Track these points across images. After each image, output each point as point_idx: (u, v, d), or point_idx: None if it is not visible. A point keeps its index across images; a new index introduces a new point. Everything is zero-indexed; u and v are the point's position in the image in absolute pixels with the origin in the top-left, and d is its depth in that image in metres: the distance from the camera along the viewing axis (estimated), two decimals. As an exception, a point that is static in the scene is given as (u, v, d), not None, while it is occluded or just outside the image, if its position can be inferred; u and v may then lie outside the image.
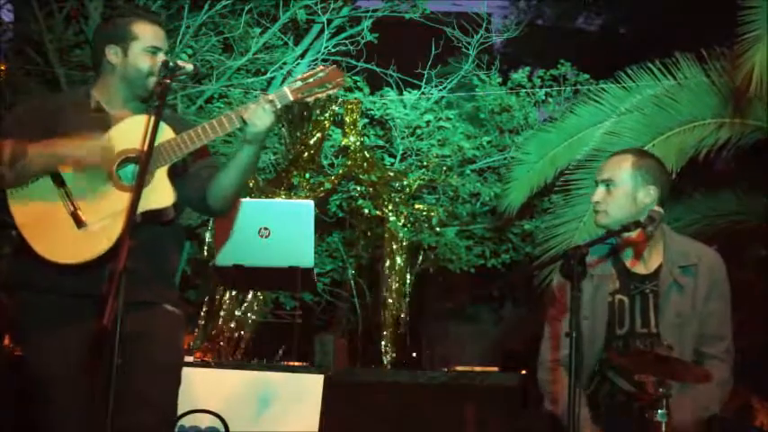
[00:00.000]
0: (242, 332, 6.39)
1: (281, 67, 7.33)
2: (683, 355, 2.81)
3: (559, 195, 6.02)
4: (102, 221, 2.62)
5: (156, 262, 2.75)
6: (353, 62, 7.32)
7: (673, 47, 5.87)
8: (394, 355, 6.31)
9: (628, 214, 2.92)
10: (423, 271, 7.60)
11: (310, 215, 4.95)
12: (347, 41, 7.34)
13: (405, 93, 7.42)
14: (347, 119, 6.65)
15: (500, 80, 7.55)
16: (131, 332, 2.42)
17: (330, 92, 2.79)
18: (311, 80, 2.77)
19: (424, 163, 7.35)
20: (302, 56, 7.50)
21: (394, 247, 6.59)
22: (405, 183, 6.95)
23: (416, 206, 7.06)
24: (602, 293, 2.98)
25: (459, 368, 5.17)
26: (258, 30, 7.20)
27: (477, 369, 5.04)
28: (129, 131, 2.68)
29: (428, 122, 7.44)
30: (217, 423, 4.16)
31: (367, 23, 7.32)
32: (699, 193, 6.12)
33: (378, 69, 7.39)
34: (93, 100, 2.81)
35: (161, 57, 2.77)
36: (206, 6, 6.98)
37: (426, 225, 7.08)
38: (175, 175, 2.72)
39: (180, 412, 3.00)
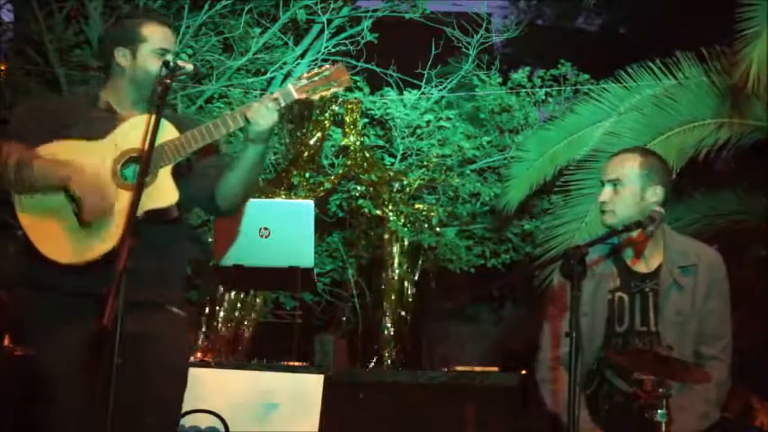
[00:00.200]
0: (242, 332, 6.39)
1: (281, 67, 7.33)
2: (682, 354, 2.81)
3: (559, 196, 6.02)
4: (106, 220, 2.62)
5: (161, 263, 2.74)
6: (353, 62, 7.31)
7: (673, 47, 5.87)
8: (394, 355, 6.30)
9: (634, 214, 2.91)
10: (423, 271, 7.60)
11: (310, 215, 4.96)
12: (347, 41, 7.33)
13: (405, 93, 7.42)
14: (347, 119, 6.64)
15: (500, 80, 7.54)
16: (135, 333, 2.42)
17: (335, 90, 2.78)
18: (316, 78, 2.76)
19: (424, 163, 7.34)
20: (302, 56, 7.49)
21: (394, 246, 6.59)
22: (405, 183, 6.94)
23: (416, 206, 7.05)
24: (602, 291, 2.98)
25: (459, 368, 5.17)
26: (258, 30, 7.20)
27: (477, 369, 5.03)
28: (133, 131, 2.67)
29: (428, 122, 7.43)
30: (217, 423, 4.16)
31: (367, 23, 7.32)
32: (699, 193, 6.12)
33: (378, 69, 7.38)
34: (103, 101, 2.81)
35: (169, 58, 2.76)
36: (206, 6, 6.98)
37: (426, 225, 7.08)
38: (180, 174, 2.71)
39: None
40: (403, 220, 6.66)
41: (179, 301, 2.82)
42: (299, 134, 6.91)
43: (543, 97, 7.43)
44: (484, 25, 7.50)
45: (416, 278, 6.95)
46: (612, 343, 2.96)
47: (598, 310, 2.97)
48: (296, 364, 4.78)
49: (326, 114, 6.67)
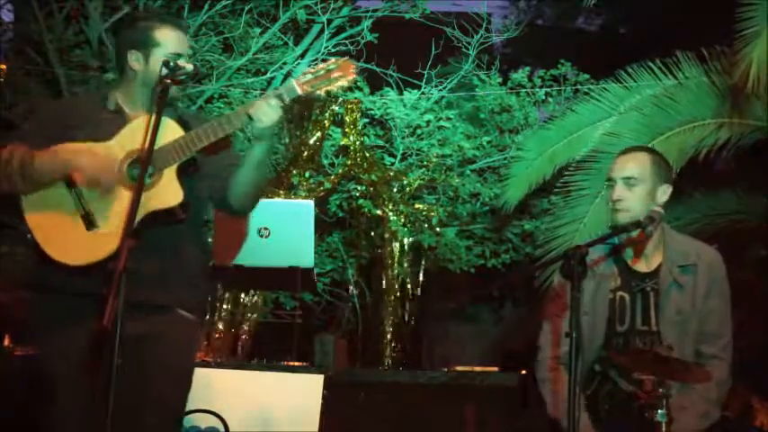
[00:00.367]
0: (242, 332, 6.40)
1: (281, 67, 7.33)
2: (683, 353, 2.82)
3: (559, 196, 6.01)
4: (112, 222, 2.62)
5: (173, 264, 2.72)
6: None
7: (673, 47, 5.86)
8: (394, 355, 6.31)
9: (647, 212, 2.89)
10: (423, 271, 7.59)
11: (310, 215, 4.96)
12: (347, 41, 7.33)
13: (405, 93, 7.42)
14: (347, 118, 6.65)
15: (500, 80, 7.54)
16: (136, 334, 2.42)
17: (342, 83, 2.77)
18: (322, 72, 2.75)
19: (424, 163, 7.35)
20: (302, 56, 7.49)
21: (395, 246, 6.59)
22: (405, 182, 6.95)
23: (416, 206, 7.05)
24: (603, 290, 2.98)
25: (459, 368, 5.18)
26: (258, 30, 7.20)
27: (477, 369, 5.04)
28: (139, 131, 2.66)
29: (428, 122, 7.43)
30: (217, 423, 4.16)
31: (367, 23, 7.32)
32: (699, 193, 6.11)
33: (378, 69, 7.38)
34: (114, 102, 2.80)
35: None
36: (206, 6, 6.98)
37: (426, 225, 7.08)
38: (186, 174, 2.69)
39: (180, 412, 3.00)
40: (403, 220, 6.66)
41: (187, 302, 2.77)
42: (298, 134, 6.91)
43: (543, 97, 7.42)
44: (484, 25, 7.50)
45: (421, 278, 6.96)
46: (613, 342, 2.96)
47: (599, 310, 2.97)
48: (296, 364, 4.78)
49: (326, 114, 6.67)
